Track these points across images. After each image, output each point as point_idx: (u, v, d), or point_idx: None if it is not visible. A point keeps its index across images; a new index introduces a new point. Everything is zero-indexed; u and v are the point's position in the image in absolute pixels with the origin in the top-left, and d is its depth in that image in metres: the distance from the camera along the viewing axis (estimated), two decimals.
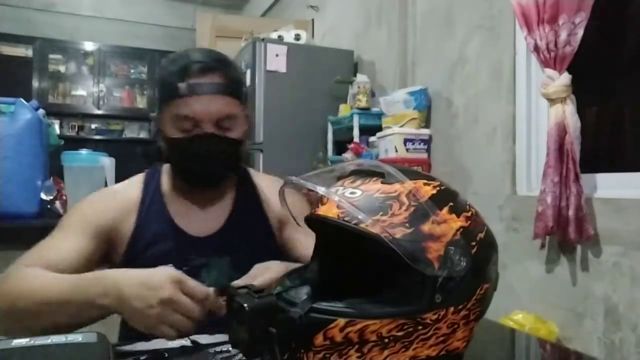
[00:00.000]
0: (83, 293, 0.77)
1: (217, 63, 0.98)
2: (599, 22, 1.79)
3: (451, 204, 0.63)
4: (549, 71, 1.71)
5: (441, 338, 0.60)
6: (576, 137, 1.66)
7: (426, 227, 0.59)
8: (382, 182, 0.63)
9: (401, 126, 2.48)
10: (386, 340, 0.58)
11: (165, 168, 1.09)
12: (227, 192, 1.09)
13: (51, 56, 5.19)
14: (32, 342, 0.56)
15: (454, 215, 0.62)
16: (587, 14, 1.63)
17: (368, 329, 0.57)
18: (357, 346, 0.58)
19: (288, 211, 0.75)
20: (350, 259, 0.71)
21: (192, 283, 0.75)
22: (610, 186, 1.72)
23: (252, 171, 1.16)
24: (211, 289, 0.76)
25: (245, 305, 0.59)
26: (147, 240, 1.00)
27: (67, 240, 0.94)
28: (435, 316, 0.59)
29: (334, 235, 0.68)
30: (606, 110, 2.14)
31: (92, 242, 0.96)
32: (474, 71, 2.26)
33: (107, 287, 0.76)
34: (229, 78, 0.98)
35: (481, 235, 0.64)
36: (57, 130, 5.01)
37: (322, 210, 0.64)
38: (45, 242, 0.94)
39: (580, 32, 1.64)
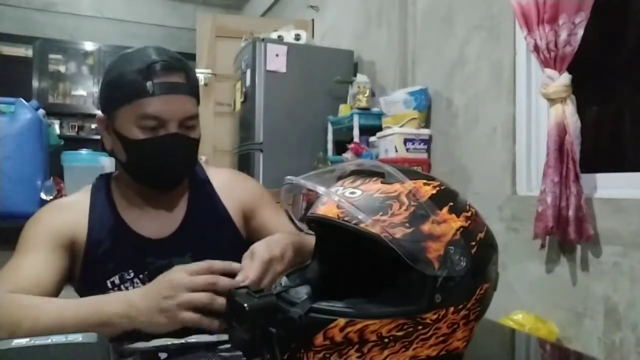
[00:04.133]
0: (97, 314, 0.76)
1: (179, 63, 0.97)
2: (599, 22, 1.79)
3: (451, 203, 0.63)
4: (549, 71, 1.71)
5: (441, 338, 0.60)
6: (576, 137, 1.66)
7: (426, 227, 0.59)
8: (382, 182, 0.63)
9: (401, 126, 2.48)
10: (386, 340, 0.58)
11: (116, 175, 1.07)
12: (181, 191, 1.06)
13: (51, 56, 5.18)
14: (32, 342, 0.56)
15: (454, 215, 0.62)
16: (587, 14, 1.63)
17: (368, 329, 0.57)
18: (357, 346, 0.58)
19: (291, 218, 0.75)
20: (350, 259, 0.71)
21: (195, 265, 0.77)
22: (610, 186, 1.72)
23: (205, 166, 1.15)
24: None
25: (245, 305, 0.59)
26: (103, 248, 0.98)
27: (39, 260, 0.92)
28: (435, 316, 0.59)
29: (334, 235, 0.68)
30: (606, 110, 2.14)
31: (59, 256, 0.94)
32: (474, 71, 2.26)
33: (117, 304, 0.76)
34: (191, 78, 0.98)
35: (481, 235, 0.64)
36: (57, 130, 5.00)
37: (322, 210, 0.64)
38: (17, 265, 0.92)
39: (580, 32, 1.64)
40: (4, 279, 0.89)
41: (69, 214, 1.00)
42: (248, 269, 0.78)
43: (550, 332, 1.69)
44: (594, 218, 1.65)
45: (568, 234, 1.64)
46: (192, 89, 0.97)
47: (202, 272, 0.75)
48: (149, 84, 0.91)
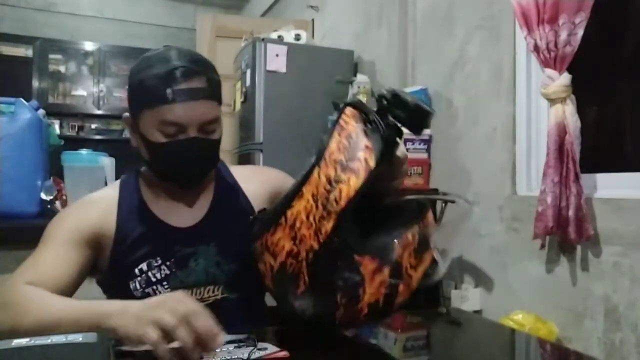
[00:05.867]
0: (90, 318, 0.77)
1: (200, 67, 0.98)
2: (599, 22, 1.79)
3: None
4: (549, 71, 1.71)
5: None
6: (576, 137, 1.66)
7: None
8: None
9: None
10: None
11: (142, 171, 1.10)
12: (207, 185, 1.10)
13: (51, 56, 5.17)
14: (32, 342, 0.56)
15: None
16: (587, 14, 1.63)
17: None
18: None
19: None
20: None
21: (201, 313, 0.74)
22: (610, 186, 1.72)
23: (229, 164, 1.19)
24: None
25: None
26: (131, 238, 1.01)
27: (59, 254, 0.95)
28: None
29: None
30: (606, 110, 2.14)
31: (81, 252, 0.97)
32: (474, 71, 2.26)
33: (114, 308, 0.77)
34: (211, 82, 0.99)
35: None
36: (57, 130, 5.00)
37: None
38: (37, 258, 0.95)
39: (580, 32, 1.64)
40: (25, 270, 0.92)
41: (96, 209, 1.03)
42: None
43: (550, 332, 1.69)
44: (594, 218, 1.65)
45: (568, 234, 1.64)
46: (213, 92, 0.99)
47: (202, 326, 0.71)
48: (168, 91, 0.93)
